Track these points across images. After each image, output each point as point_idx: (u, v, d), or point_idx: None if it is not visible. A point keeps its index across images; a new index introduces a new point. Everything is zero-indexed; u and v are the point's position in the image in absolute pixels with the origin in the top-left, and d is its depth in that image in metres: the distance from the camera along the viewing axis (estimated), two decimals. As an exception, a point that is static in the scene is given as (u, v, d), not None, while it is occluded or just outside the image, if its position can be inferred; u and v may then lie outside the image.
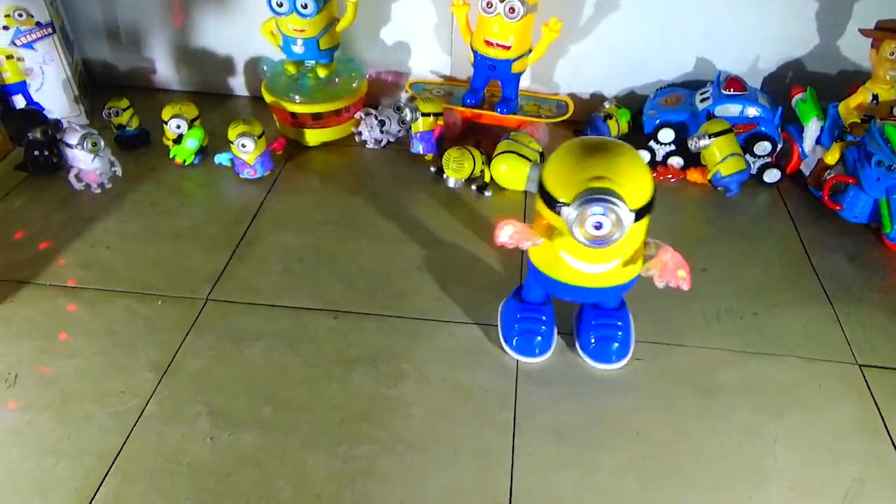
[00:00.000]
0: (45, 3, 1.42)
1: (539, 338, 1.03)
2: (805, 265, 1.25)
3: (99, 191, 1.37)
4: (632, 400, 0.99)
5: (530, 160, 1.36)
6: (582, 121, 1.57)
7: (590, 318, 1.04)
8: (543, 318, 1.03)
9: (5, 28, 1.41)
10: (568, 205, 0.81)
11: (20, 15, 1.41)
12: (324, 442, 0.92)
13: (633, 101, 1.59)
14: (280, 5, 1.35)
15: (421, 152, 1.47)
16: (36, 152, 1.39)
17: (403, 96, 1.68)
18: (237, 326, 1.09)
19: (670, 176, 1.45)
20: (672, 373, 1.03)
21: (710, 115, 1.41)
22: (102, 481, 0.87)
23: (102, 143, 1.33)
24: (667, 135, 1.43)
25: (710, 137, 1.35)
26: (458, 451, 0.91)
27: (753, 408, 0.98)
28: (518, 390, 0.99)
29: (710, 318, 1.12)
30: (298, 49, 1.42)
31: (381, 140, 1.53)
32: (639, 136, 1.49)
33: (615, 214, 0.79)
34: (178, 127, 1.42)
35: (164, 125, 1.44)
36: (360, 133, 1.54)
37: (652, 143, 1.45)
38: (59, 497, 0.85)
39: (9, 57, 1.45)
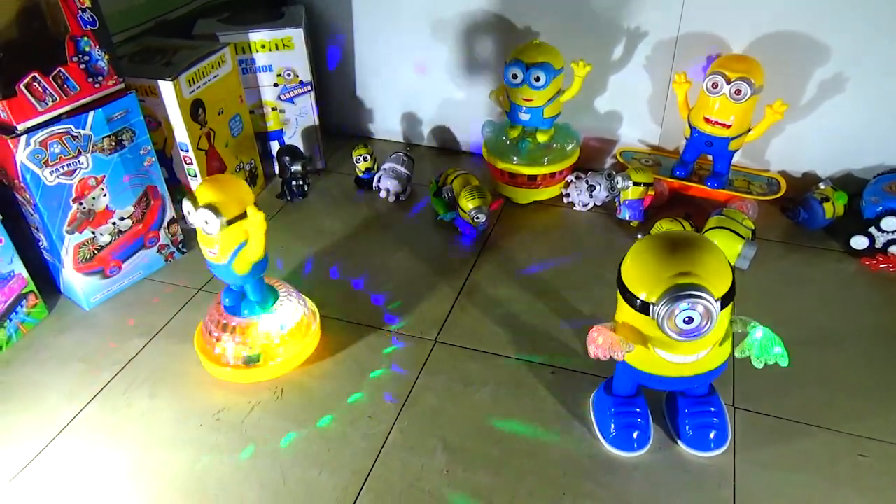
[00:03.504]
0: (308, 65, 1.65)
1: (637, 432, 1.04)
2: None
3: (393, 199, 1.67)
4: (855, 497, 0.98)
5: (743, 237, 1.38)
6: (792, 199, 1.56)
7: (683, 406, 1.04)
8: (638, 409, 1.05)
9: (275, 85, 1.66)
10: (656, 304, 0.84)
11: (289, 75, 1.65)
12: (549, 493, 0.99)
13: (849, 184, 1.56)
14: (515, 77, 1.48)
15: (627, 219, 1.54)
16: (294, 182, 1.63)
17: (610, 162, 1.76)
18: (464, 370, 1.20)
19: (890, 265, 1.40)
20: (900, 475, 1.01)
21: (941, 207, 1.37)
22: (357, 497, 0.99)
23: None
24: (891, 223, 1.39)
25: (942, 231, 1.31)
26: (677, 520, 0.96)
27: None
28: (737, 469, 1.02)
29: (942, 422, 1.09)
30: (524, 116, 1.55)
31: (589, 204, 1.62)
32: (855, 220, 1.47)
33: (703, 307, 0.81)
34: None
35: (434, 182, 1.61)
36: (568, 195, 1.63)
37: (872, 230, 1.42)
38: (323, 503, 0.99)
39: (273, 109, 1.70)
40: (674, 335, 0.85)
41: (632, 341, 0.91)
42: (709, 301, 0.82)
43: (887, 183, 1.47)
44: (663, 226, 1.43)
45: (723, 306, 0.85)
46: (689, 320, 0.83)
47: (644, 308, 0.87)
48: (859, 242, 1.44)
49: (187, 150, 1.44)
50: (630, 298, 0.89)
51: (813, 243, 1.50)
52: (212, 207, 1.02)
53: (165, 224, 1.43)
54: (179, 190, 1.52)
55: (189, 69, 1.39)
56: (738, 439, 1.06)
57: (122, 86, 1.27)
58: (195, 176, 1.48)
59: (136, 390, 1.18)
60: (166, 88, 1.36)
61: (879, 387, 1.15)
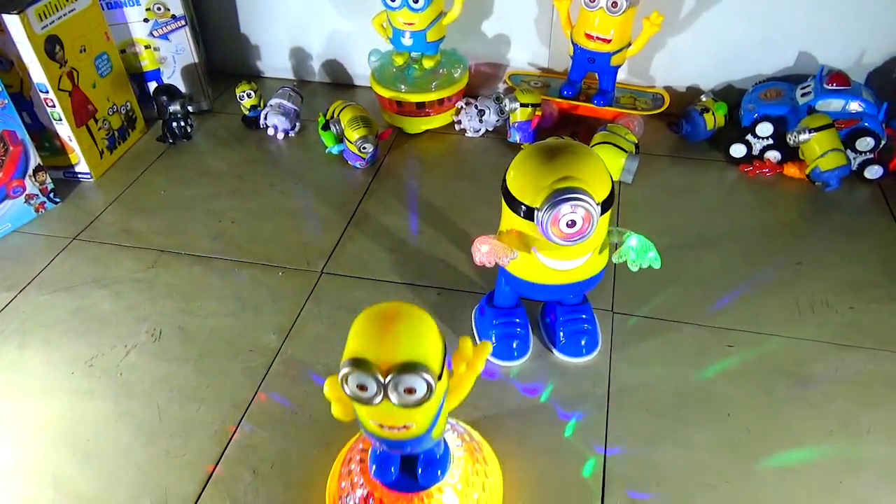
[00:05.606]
0: (180, -2, 1.56)
1: (517, 341, 1.07)
2: (906, 263, 1.24)
3: (282, 135, 1.62)
4: (724, 384, 1.02)
5: (626, 151, 1.40)
6: (677, 113, 1.58)
7: (558, 315, 1.08)
8: (518, 320, 1.08)
9: (145, 20, 1.56)
10: (540, 209, 0.85)
11: (159, 8, 1.55)
12: (431, 405, 1.00)
13: (730, 95, 1.60)
14: (393, 0, 1.44)
15: (518, 141, 1.54)
16: (175, 123, 1.57)
17: (502, 87, 1.75)
18: (349, 297, 1.19)
19: (766, 170, 1.45)
20: (764, 361, 1.06)
21: (811, 110, 1.41)
22: (237, 426, 0.98)
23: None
24: (765, 129, 1.44)
25: (810, 132, 1.35)
26: (555, 421, 0.98)
27: (847, 398, 0.99)
28: (612, 368, 1.05)
29: (804, 309, 1.14)
30: (407, 41, 1.51)
31: (480, 129, 1.60)
32: (735, 129, 1.51)
33: (585, 210, 0.83)
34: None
35: (322, 115, 1.54)
36: (459, 122, 1.61)
37: (749, 137, 1.46)
38: (201, 437, 0.97)
39: (147, 47, 1.60)
40: (558, 240, 0.86)
41: (515, 248, 0.92)
42: (590, 204, 0.83)
43: (763, 91, 1.51)
44: (549, 144, 1.43)
45: (603, 211, 0.86)
46: (572, 224, 0.84)
47: (529, 214, 0.87)
48: (738, 150, 1.48)
49: (47, 92, 1.35)
50: (515, 205, 0.89)
51: (696, 155, 1.53)
52: None
53: (31, 172, 1.35)
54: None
55: (38, 2, 1.29)
56: (615, 341, 1.09)
57: (-43, 21, 1.17)
58: (60, 119, 1.39)
59: (4, 343, 1.12)
60: (13, 23, 1.26)
61: (749, 282, 1.19)
